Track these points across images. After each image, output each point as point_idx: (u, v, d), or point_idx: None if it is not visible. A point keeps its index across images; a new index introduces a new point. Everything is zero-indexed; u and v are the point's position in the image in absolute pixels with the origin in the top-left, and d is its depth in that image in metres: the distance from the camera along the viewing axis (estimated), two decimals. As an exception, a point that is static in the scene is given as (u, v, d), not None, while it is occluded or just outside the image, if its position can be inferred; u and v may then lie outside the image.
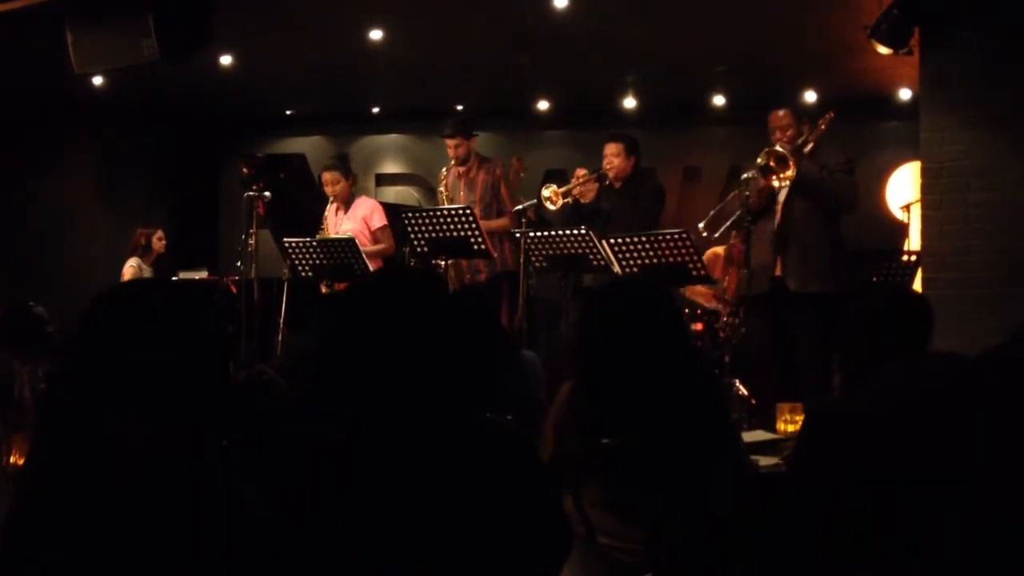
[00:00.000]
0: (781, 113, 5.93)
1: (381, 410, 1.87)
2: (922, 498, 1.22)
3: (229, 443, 1.87)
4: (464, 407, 1.92)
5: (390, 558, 1.78)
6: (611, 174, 6.57)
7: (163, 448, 1.75)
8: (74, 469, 1.73)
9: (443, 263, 6.43)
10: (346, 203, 7.09)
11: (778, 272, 5.76)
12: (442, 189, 7.12)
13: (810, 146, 5.85)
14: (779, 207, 5.82)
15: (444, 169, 7.20)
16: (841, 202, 5.88)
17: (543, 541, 1.94)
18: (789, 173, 5.63)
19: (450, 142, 7.02)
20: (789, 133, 5.85)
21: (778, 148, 5.69)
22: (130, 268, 8.70)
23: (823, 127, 5.89)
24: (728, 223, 5.95)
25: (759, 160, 5.68)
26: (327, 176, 7.06)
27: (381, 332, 1.92)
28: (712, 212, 6.04)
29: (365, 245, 6.81)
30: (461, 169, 7.04)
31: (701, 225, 5.99)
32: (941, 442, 1.22)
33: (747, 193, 5.77)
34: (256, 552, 1.76)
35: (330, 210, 7.13)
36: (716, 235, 6.02)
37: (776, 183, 5.68)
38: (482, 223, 6.56)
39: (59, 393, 1.84)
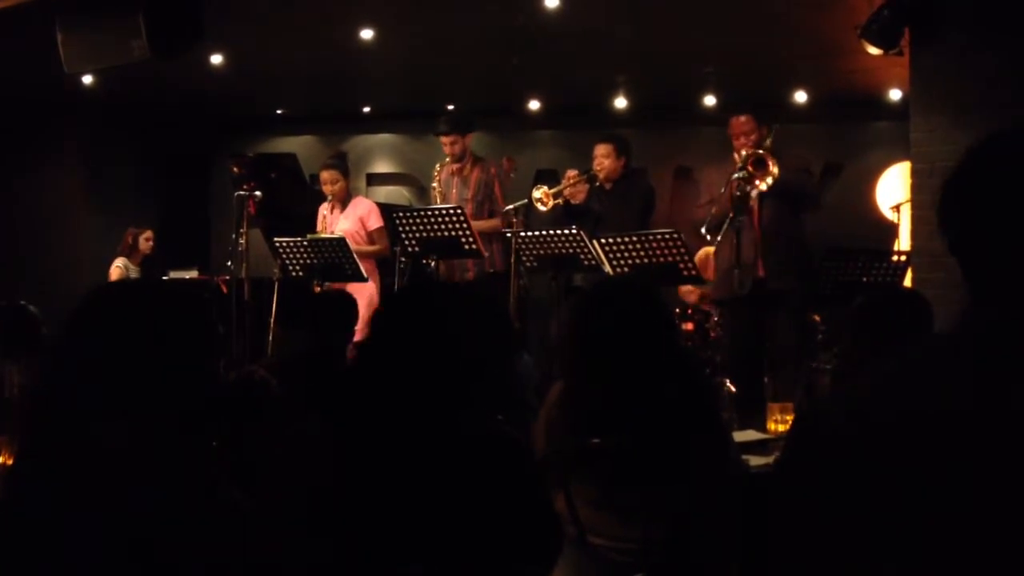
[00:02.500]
0: (743, 119, 6.01)
1: (378, 413, 1.87)
2: (916, 501, 1.21)
3: (219, 443, 1.86)
4: (466, 411, 1.93)
5: (385, 558, 1.78)
6: (601, 175, 6.58)
7: (152, 449, 1.74)
8: (62, 470, 1.73)
9: (432, 262, 6.43)
10: (343, 202, 7.07)
11: (760, 273, 5.83)
12: (435, 186, 7.10)
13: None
14: (754, 207, 5.87)
15: (438, 165, 7.17)
16: (809, 200, 6.08)
17: (534, 541, 1.94)
18: (774, 170, 5.66)
19: (445, 139, 7.00)
20: (752, 138, 5.92)
21: (758, 151, 5.75)
22: (116, 269, 8.68)
23: (768, 144, 5.95)
24: (727, 224, 5.97)
25: (740, 175, 5.71)
26: (326, 175, 7.03)
27: (401, 342, 1.94)
28: (709, 216, 6.05)
29: (360, 245, 6.80)
30: (456, 166, 7.03)
31: (703, 230, 6.01)
32: (935, 442, 1.22)
33: (739, 193, 5.78)
34: (247, 553, 1.75)
35: (325, 209, 7.11)
36: (719, 238, 6.04)
37: (763, 186, 5.71)
38: (473, 223, 6.57)
39: (46, 393, 1.83)
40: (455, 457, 1.86)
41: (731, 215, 5.79)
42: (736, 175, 5.78)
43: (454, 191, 6.99)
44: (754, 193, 5.81)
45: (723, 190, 5.81)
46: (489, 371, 1.99)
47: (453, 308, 2.03)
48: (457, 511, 1.81)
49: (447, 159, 7.07)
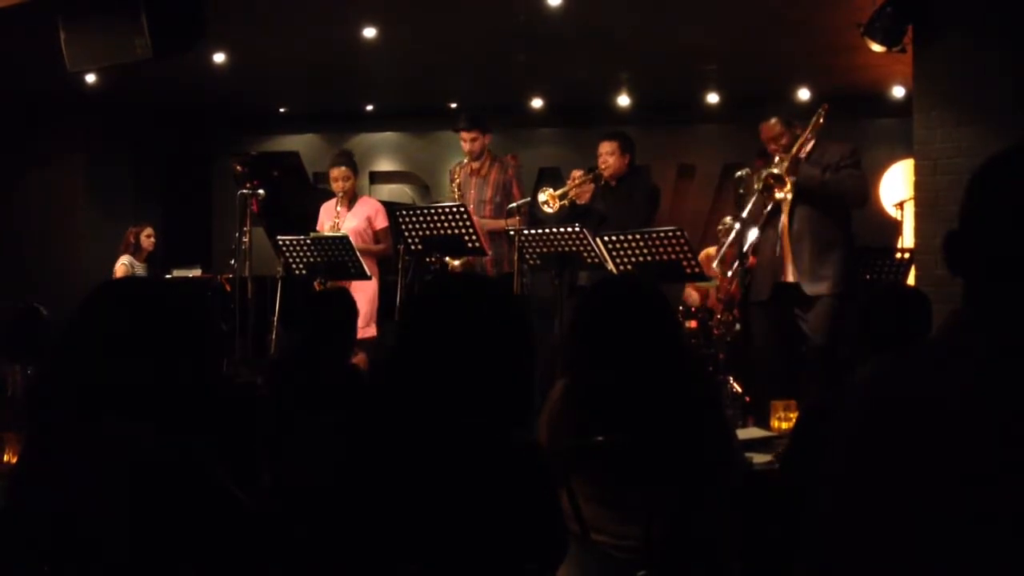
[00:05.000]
0: (772, 122, 5.85)
1: (381, 413, 1.86)
2: (916, 496, 1.21)
3: (220, 442, 1.86)
4: (497, 419, 1.92)
5: (387, 558, 1.78)
6: (606, 172, 6.57)
7: (153, 447, 1.74)
8: (63, 469, 1.73)
9: (455, 263, 6.46)
10: (350, 201, 7.07)
11: (789, 277, 5.67)
12: (455, 189, 7.06)
13: (809, 145, 5.76)
14: (785, 209, 5.73)
15: (456, 165, 7.15)
16: (849, 198, 5.75)
17: (539, 541, 1.93)
18: (783, 195, 5.57)
19: (466, 135, 6.95)
20: (783, 141, 5.79)
21: (773, 171, 5.60)
22: (122, 266, 8.68)
23: (820, 122, 5.80)
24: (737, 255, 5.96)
25: (756, 186, 5.63)
26: (338, 172, 7.01)
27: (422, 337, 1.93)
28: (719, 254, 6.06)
29: (367, 243, 6.82)
30: (474, 165, 6.99)
31: (714, 265, 6.00)
32: (934, 438, 1.22)
33: (741, 191, 5.77)
34: (247, 552, 1.75)
35: (329, 206, 7.10)
36: (729, 273, 6.06)
37: (780, 195, 5.60)
38: (491, 222, 6.60)
39: (48, 392, 1.83)
40: (459, 457, 1.85)
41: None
42: (740, 173, 5.78)
43: (472, 191, 6.96)
44: (786, 198, 5.69)
45: (741, 189, 5.77)
46: (515, 376, 1.97)
47: (485, 307, 2.01)
48: (461, 511, 1.81)
49: (464, 159, 7.03)
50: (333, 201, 7.08)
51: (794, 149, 5.73)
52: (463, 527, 1.80)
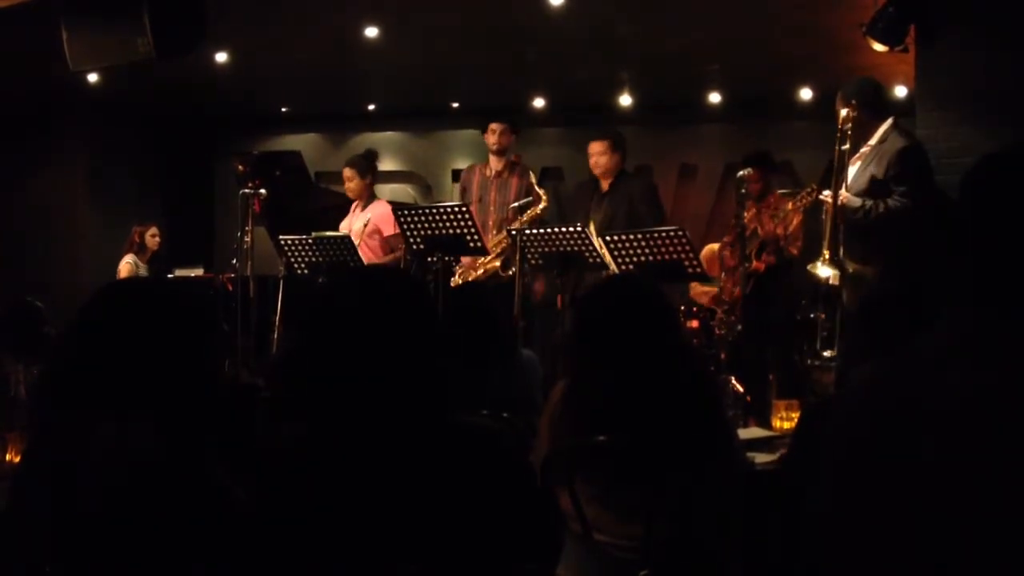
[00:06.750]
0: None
1: (362, 410, 1.85)
2: (917, 495, 1.21)
3: (220, 442, 1.86)
4: (443, 406, 1.90)
5: (382, 559, 1.78)
6: (597, 171, 6.57)
7: (154, 447, 1.74)
8: (66, 468, 1.73)
9: (461, 262, 6.48)
10: (364, 202, 7.09)
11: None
12: (472, 188, 6.97)
13: (867, 143, 5.35)
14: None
15: (467, 170, 7.12)
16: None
17: (532, 539, 1.93)
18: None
19: (496, 126, 6.84)
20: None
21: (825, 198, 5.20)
22: (126, 265, 8.70)
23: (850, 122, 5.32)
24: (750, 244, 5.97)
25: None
26: (344, 172, 7.12)
27: (354, 330, 1.91)
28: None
29: (372, 247, 6.82)
30: (497, 167, 6.91)
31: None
32: (934, 439, 1.22)
33: (743, 191, 5.76)
34: (248, 551, 1.75)
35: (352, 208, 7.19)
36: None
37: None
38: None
39: (50, 391, 1.83)
40: (448, 456, 1.84)
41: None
42: (742, 173, 5.78)
43: (494, 193, 6.86)
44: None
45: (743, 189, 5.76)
46: (422, 356, 1.94)
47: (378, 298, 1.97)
48: (453, 511, 1.80)
49: (487, 160, 6.97)
50: (356, 203, 7.15)
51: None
52: (449, 522, 1.79)
